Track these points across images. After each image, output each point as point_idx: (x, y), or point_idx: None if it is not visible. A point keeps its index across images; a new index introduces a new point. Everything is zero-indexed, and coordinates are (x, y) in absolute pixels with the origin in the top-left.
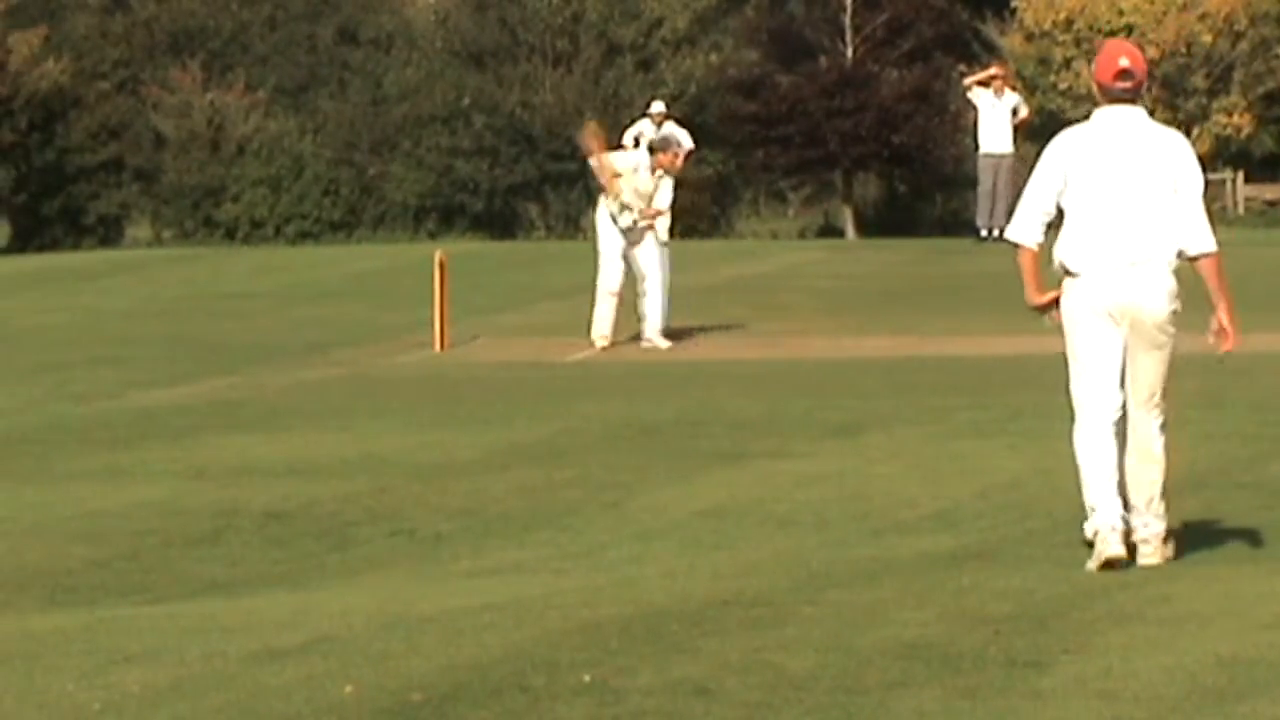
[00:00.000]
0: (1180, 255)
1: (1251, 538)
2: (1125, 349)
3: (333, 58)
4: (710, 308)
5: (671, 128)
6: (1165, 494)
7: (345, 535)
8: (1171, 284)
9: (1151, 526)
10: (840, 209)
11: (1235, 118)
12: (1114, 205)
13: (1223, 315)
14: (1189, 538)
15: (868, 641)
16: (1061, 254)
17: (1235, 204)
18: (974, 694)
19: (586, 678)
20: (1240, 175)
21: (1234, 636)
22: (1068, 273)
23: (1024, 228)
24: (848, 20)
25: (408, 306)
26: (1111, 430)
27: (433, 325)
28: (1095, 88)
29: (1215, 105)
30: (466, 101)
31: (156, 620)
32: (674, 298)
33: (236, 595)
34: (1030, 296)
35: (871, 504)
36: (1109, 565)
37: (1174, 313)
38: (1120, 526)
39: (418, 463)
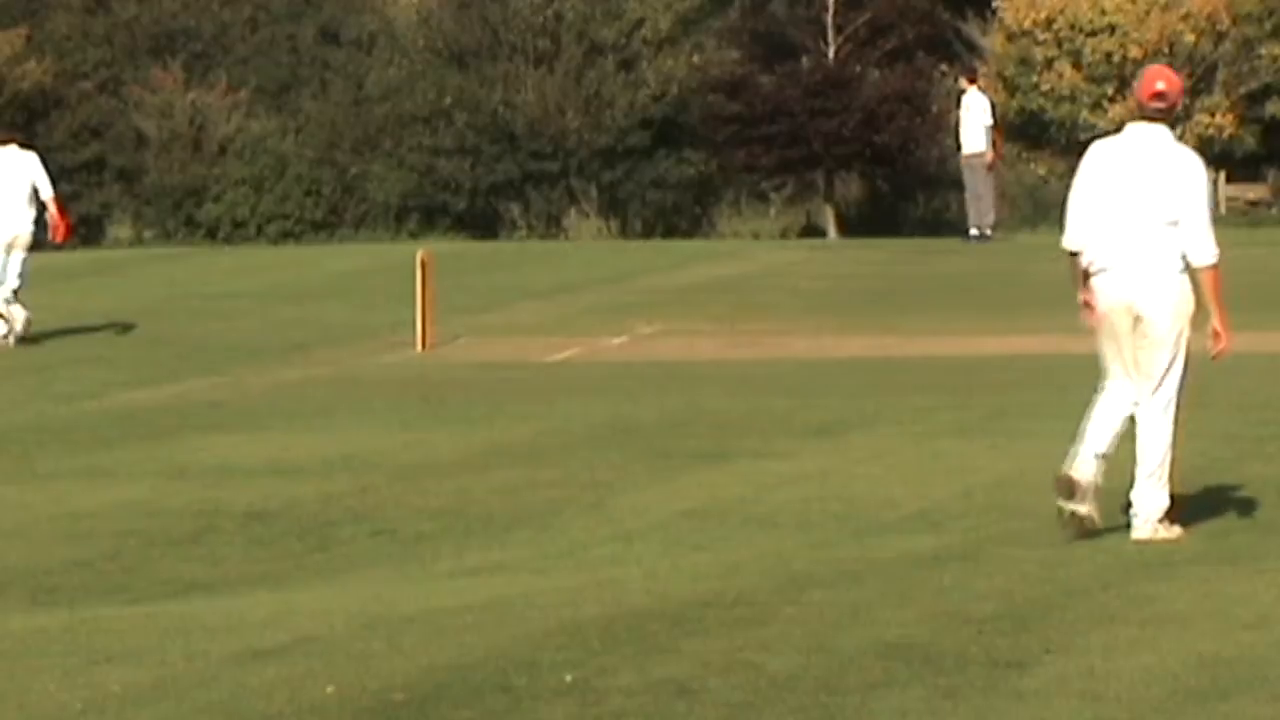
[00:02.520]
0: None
1: (1234, 538)
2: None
3: (314, 58)
4: (692, 307)
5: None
6: (1161, 472)
7: (327, 535)
8: (1178, 286)
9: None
10: (822, 209)
11: (1218, 118)
12: (1132, 212)
13: (1215, 321)
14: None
15: (850, 642)
16: (1088, 253)
17: (1218, 204)
18: (956, 694)
19: (568, 678)
20: (1223, 175)
21: (1216, 636)
22: (1088, 272)
23: (1071, 235)
24: (830, 20)
25: (390, 306)
26: (1119, 406)
27: (415, 325)
28: (1135, 104)
29: (1198, 105)
30: (448, 101)
31: (138, 620)
32: (655, 296)
33: (218, 595)
34: (1080, 295)
35: (854, 504)
36: (1067, 488)
37: (1180, 312)
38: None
39: (400, 463)
